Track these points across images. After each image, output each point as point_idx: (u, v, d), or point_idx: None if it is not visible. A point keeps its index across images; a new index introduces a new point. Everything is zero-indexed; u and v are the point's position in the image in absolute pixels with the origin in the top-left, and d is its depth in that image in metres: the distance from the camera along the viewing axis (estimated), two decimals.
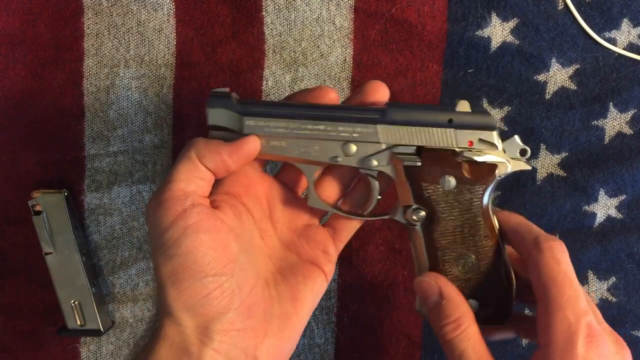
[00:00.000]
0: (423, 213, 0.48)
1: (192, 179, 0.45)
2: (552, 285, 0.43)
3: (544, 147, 0.65)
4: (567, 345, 0.42)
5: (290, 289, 0.49)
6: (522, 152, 0.49)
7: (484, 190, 0.48)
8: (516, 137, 0.49)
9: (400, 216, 0.50)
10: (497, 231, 0.49)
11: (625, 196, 0.65)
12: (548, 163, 0.65)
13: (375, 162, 0.49)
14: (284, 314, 0.48)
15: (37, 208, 0.64)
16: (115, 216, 0.67)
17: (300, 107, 0.49)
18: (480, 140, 0.48)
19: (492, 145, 0.48)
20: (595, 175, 0.65)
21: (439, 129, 0.48)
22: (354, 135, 0.49)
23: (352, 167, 0.50)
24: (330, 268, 0.51)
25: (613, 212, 0.65)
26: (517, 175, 0.65)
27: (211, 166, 0.46)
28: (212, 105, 0.49)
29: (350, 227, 0.53)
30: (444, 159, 0.48)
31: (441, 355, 0.67)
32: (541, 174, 0.66)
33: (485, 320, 0.48)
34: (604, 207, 0.65)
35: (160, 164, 0.66)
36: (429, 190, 0.48)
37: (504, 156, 0.48)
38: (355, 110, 0.49)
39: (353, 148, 0.49)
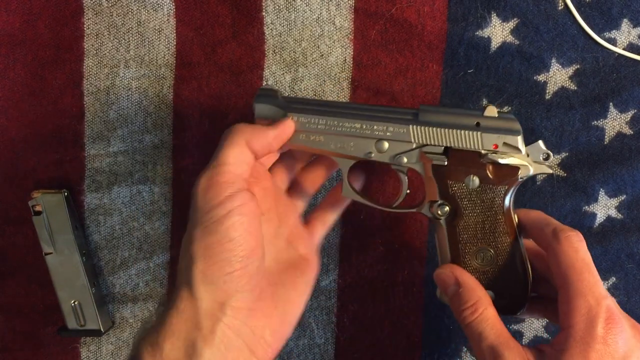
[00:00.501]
0: (447, 208, 0.52)
1: (240, 163, 0.49)
2: (572, 273, 0.46)
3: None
4: (587, 326, 0.44)
5: (290, 278, 0.52)
6: (545, 157, 0.51)
7: (506, 191, 0.51)
8: (540, 142, 0.51)
9: (426, 210, 0.54)
10: (516, 228, 0.52)
11: (625, 196, 0.65)
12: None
13: (405, 160, 0.53)
14: (286, 300, 0.50)
15: (37, 208, 0.64)
16: (115, 216, 0.67)
17: (338, 106, 0.54)
18: (505, 143, 0.51)
19: (516, 149, 0.51)
20: (595, 176, 0.65)
21: (466, 132, 0.51)
22: (387, 134, 0.53)
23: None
24: (317, 262, 0.56)
25: (613, 212, 0.65)
26: None
27: (257, 148, 0.50)
28: (260, 101, 0.54)
29: (321, 231, 0.58)
30: (469, 160, 0.51)
31: (441, 355, 0.67)
32: (541, 174, 0.65)
33: (501, 310, 0.50)
34: (604, 207, 0.65)
35: (160, 164, 0.66)
36: (454, 188, 0.52)
37: (526, 160, 0.51)
38: (389, 111, 0.53)
39: (386, 145, 0.53)
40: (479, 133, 0.51)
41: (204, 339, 0.45)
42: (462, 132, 0.51)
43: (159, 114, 0.66)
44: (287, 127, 0.53)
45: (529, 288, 0.52)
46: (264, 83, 0.65)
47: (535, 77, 0.65)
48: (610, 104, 0.65)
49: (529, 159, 0.51)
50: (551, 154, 0.51)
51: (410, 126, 0.52)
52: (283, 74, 0.65)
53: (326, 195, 0.61)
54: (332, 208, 0.59)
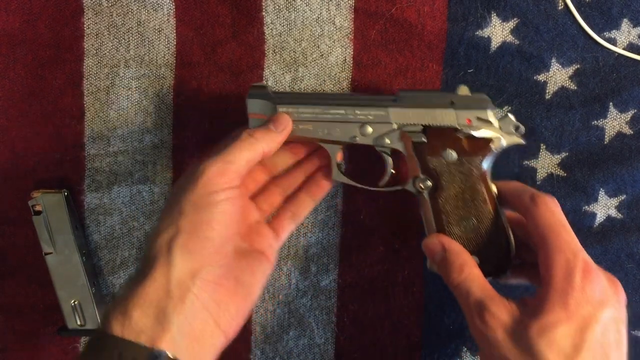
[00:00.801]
0: (429, 182, 0.56)
1: (247, 166, 0.53)
2: (550, 232, 0.50)
3: (544, 147, 0.65)
4: (566, 277, 0.47)
5: (248, 266, 0.55)
6: (516, 128, 0.56)
7: (482, 162, 0.55)
8: (510, 115, 0.56)
9: (410, 186, 0.57)
10: (495, 197, 0.56)
11: (625, 196, 0.65)
12: (548, 163, 0.65)
13: (388, 141, 0.57)
14: (247, 282, 0.54)
15: (37, 208, 0.64)
16: (115, 216, 0.67)
17: (323, 96, 0.60)
18: (478, 118, 0.55)
19: (488, 122, 0.55)
20: (595, 175, 0.65)
21: (442, 110, 0.56)
22: (370, 117, 0.57)
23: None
24: (274, 256, 0.59)
25: (613, 212, 0.65)
26: (517, 176, 0.65)
27: (267, 155, 0.55)
28: (252, 97, 0.58)
29: (288, 228, 0.61)
30: (446, 135, 0.56)
31: (441, 355, 0.67)
32: (541, 174, 0.66)
33: (486, 274, 0.54)
34: (604, 207, 0.65)
35: (160, 164, 0.66)
36: (434, 163, 0.56)
37: (499, 132, 0.55)
38: (370, 97, 0.58)
39: (369, 129, 0.57)
40: (453, 110, 0.55)
41: (174, 306, 0.47)
42: (438, 110, 0.56)
43: (159, 114, 0.66)
44: (289, 129, 0.57)
45: (512, 251, 0.55)
46: (264, 83, 0.65)
47: (535, 77, 0.65)
48: (610, 103, 0.65)
49: (501, 131, 0.55)
50: (521, 125, 0.55)
51: (390, 109, 0.57)
52: (283, 73, 0.65)
53: (302, 186, 0.62)
54: (308, 200, 0.62)
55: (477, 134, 0.55)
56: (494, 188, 0.56)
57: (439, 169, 0.56)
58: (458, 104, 0.56)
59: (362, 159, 0.65)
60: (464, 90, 0.56)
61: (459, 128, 0.55)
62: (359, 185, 0.60)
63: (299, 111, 0.57)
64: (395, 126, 0.57)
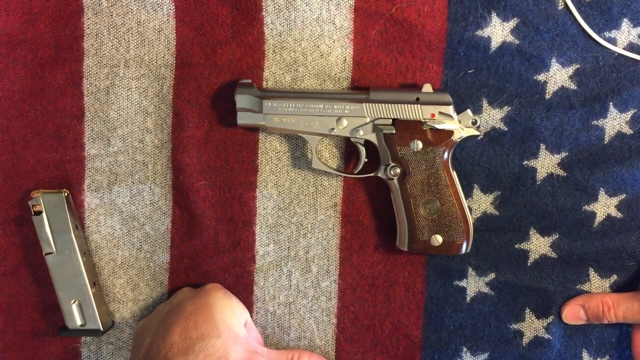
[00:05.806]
0: (398, 170, 0.63)
1: None
2: None
3: (544, 147, 0.65)
4: None
5: None
6: (473, 122, 0.63)
7: (444, 151, 0.63)
8: (468, 110, 0.63)
9: (382, 173, 0.64)
10: (455, 182, 0.63)
11: (625, 195, 0.65)
12: (548, 163, 0.65)
13: (361, 132, 0.64)
14: None
15: (37, 208, 0.64)
16: (115, 216, 0.67)
17: (305, 92, 0.64)
18: (440, 112, 0.62)
19: (449, 116, 0.62)
20: (595, 175, 0.65)
21: (409, 105, 0.62)
22: (346, 111, 0.63)
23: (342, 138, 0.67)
24: None
25: (613, 212, 0.65)
26: (517, 175, 0.65)
27: None
28: (240, 93, 0.63)
29: None
30: (413, 128, 0.63)
31: (441, 355, 0.67)
32: (541, 174, 0.65)
33: (448, 249, 0.63)
34: (604, 207, 0.65)
35: (160, 164, 0.66)
36: (402, 152, 0.63)
37: (458, 125, 0.63)
38: (346, 93, 0.65)
39: (345, 122, 0.63)
40: (419, 106, 0.62)
41: None
42: (405, 106, 0.62)
43: (159, 114, 0.66)
44: None
45: (470, 230, 0.63)
46: (264, 83, 0.65)
47: (535, 77, 0.65)
48: (610, 103, 0.64)
49: (460, 125, 0.62)
50: (478, 119, 0.63)
51: (364, 104, 0.63)
52: (283, 74, 0.65)
53: None
54: None
55: (439, 126, 0.62)
56: (454, 174, 0.63)
57: (407, 157, 0.63)
58: (423, 100, 0.62)
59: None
60: (427, 87, 0.62)
61: (424, 121, 0.62)
62: (337, 173, 0.66)
63: (283, 105, 0.63)
64: (368, 120, 0.63)
